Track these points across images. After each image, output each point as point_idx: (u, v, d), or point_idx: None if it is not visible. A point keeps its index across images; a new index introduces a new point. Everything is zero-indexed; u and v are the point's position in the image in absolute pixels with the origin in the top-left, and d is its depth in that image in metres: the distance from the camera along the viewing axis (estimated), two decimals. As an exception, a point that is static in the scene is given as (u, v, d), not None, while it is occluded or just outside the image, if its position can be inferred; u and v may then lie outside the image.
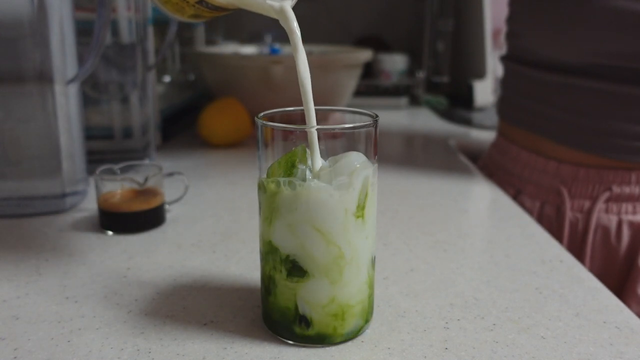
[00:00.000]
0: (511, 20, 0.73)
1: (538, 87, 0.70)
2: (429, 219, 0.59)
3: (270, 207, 0.34)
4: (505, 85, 0.78)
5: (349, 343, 0.36)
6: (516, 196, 0.73)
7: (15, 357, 0.34)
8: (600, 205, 0.66)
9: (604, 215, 0.67)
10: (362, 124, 0.34)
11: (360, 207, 0.34)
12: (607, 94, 0.63)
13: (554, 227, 0.69)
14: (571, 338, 0.37)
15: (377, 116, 0.35)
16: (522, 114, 0.73)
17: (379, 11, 1.52)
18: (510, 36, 0.74)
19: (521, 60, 0.73)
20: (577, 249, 0.68)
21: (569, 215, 0.68)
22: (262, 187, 0.35)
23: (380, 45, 1.44)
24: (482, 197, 0.68)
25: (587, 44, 0.62)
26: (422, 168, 0.82)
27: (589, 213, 0.67)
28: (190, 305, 0.40)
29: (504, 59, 0.77)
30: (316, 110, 0.38)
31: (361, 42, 1.44)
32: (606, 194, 0.66)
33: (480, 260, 0.49)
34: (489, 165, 0.80)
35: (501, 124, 0.79)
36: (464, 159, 0.86)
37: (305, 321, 0.35)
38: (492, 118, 1.19)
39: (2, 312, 0.39)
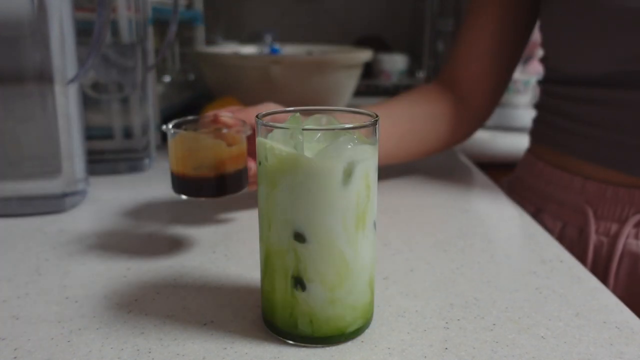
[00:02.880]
0: (544, 43, 0.70)
1: (567, 103, 0.66)
2: (429, 219, 0.59)
3: (271, 180, 0.34)
4: (539, 106, 0.74)
5: (349, 343, 0.36)
6: (536, 215, 0.67)
7: (15, 357, 0.34)
8: (629, 229, 0.59)
9: (633, 241, 0.59)
10: (362, 124, 0.34)
11: (361, 208, 0.34)
12: (633, 105, 0.58)
13: (576, 251, 0.61)
14: (571, 338, 0.37)
15: (377, 116, 0.35)
16: (553, 133, 0.68)
17: (379, 11, 1.52)
18: (544, 59, 0.71)
19: (551, 80, 0.70)
20: (599, 277, 0.59)
21: (593, 238, 0.61)
22: (262, 152, 0.34)
23: (380, 45, 1.44)
24: (482, 197, 0.68)
25: (603, 49, 0.58)
26: (422, 168, 0.82)
27: (615, 237, 0.60)
28: (190, 305, 0.40)
29: (540, 83, 0.73)
30: (317, 110, 0.38)
31: (361, 42, 1.44)
32: (636, 217, 0.59)
33: (480, 260, 0.49)
34: (513, 182, 0.76)
35: (532, 144, 0.75)
36: (465, 159, 0.86)
37: (305, 321, 0.35)
38: (492, 118, 1.19)
39: (2, 312, 0.39)
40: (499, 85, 0.72)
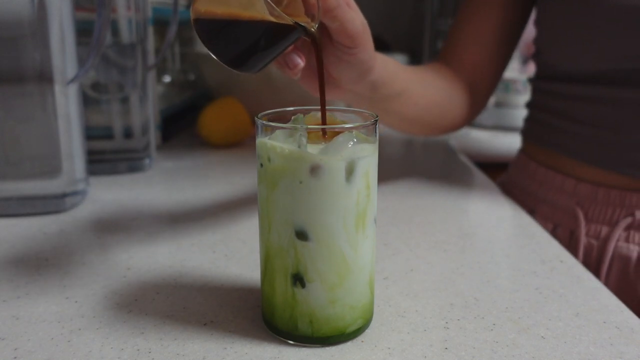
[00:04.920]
0: (537, 39, 0.69)
1: (559, 101, 0.65)
2: (429, 219, 0.59)
3: (272, 180, 0.34)
4: (531, 105, 0.73)
5: (349, 343, 0.36)
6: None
7: (15, 357, 0.34)
8: (619, 232, 0.58)
9: (624, 244, 0.58)
10: (362, 123, 0.34)
11: (362, 207, 0.34)
12: (629, 103, 0.57)
13: None
14: (571, 338, 0.37)
15: (377, 116, 0.35)
16: (545, 132, 0.67)
17: (379, 11, 1.52)
18: (536, 55, 0.70)
19: (544, 77, 0.69)
20: None
21: (583, 240, 0.60)
22: (263, 151, 0.34)
23: (380, 45, 1.44)
24: (482, 197, 0.68)
25: (600, 46, 0.57)
26: (422, 168, 0.82)
27: (606, 240, 0.59)
28: (190, 305, 0.40)
29: (531, 80, 0.73)
30: (316, 110, 0.38)
31: (361, 42, 1.44)
32: (627, 220, 0.58)
33: (480, 260, 0.49)
34: (507, 183, 0.75)
35: (524, 144, 0.74)
36: (464, 159, 0.86)
37: (305, 321, 0.35)
38: (492, 118, 1.20)
39: (2, 312, 0.39)
40: (499, 73, 0.71)
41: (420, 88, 0.61)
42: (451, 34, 0.72)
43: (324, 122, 0.37)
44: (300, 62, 0.42)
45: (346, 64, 0.45)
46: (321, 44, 0.38)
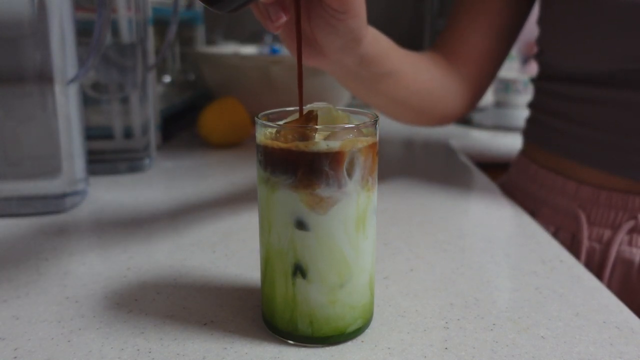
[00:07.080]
0: (539, 39, 0.68)
1: (562, 102, 0.64)
2: (429, 219, 0.59)
3: (272, 181, 0.34)
4: (533, 105, 0.71)
5: (349, 343, 0.36)
6: None
7: (15, 357, 0.34)
8: (622, 236, 0.57)
9: (627, 248, 0.57)
10: (362, 123, 0.34)
11: (362, 207, 0.34)
12: (632, 105, 0.56)
13: None
14: (571, 338, 0.37)
15: (377, 116, 0.35)
16: (546, 133, 0.66)
17: (379, 11, 1.52)
18: (539, 55, 0.69)
19: (546, 78, 0.67)
20: None
21: (585, 244, 0.60)
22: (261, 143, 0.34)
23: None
24: (483, 197, 0.68)
25: (606, 46, 0.56)
26: (422, 168, 0.82)
27: (608, 244, 0.58)
28: (190, 305, 0.40)
29: (534, 81, 0.71)
30: (317, 109, 0.38)
31: (361, 42, 1.44)
32: (630, 224, 0.57)
33: (480, 260, 0.49)
34: (507, 185, 0.74)
35: (525, 145, 0.73)
36: (465, 159, 0.86)
37: (305, 321, 0.35)
38: (492, 118, 1.19)
39: (2, 312, 0.39)
40: (496, 68, 0.69)
41: (412, 72, 0.60)
42: (449, 24, 0.70)
43: (300, 94, 0.36)
44: (284, 16, 0.39)
45: (333, 29, 0.43)
46: None
